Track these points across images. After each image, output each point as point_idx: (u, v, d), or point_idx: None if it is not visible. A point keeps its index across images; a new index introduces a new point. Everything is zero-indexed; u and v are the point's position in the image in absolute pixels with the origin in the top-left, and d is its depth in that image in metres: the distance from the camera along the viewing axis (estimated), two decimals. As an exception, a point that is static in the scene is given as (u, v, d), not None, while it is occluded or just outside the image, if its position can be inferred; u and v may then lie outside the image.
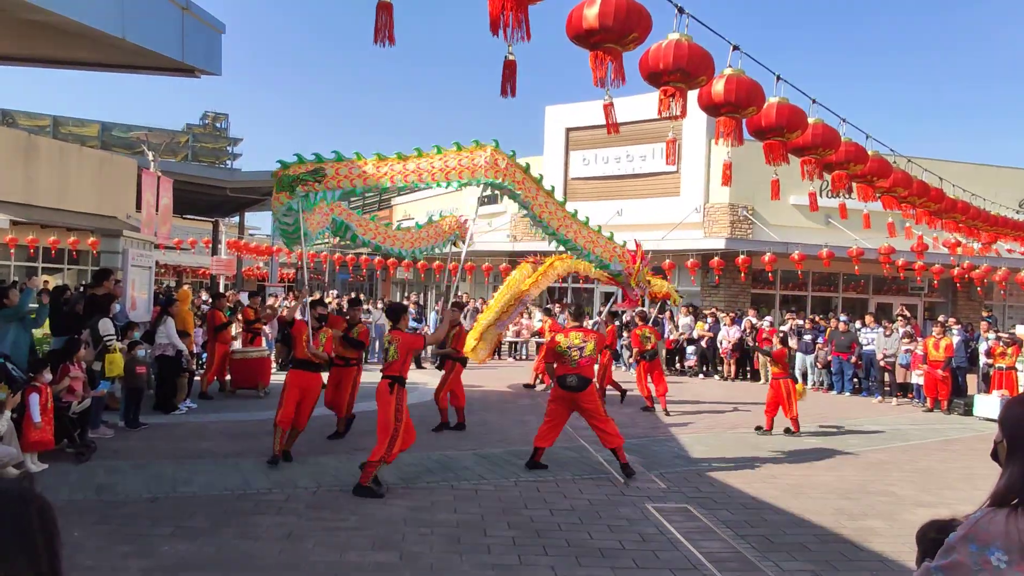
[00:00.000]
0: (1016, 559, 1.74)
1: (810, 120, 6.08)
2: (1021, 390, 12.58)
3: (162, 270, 34.09)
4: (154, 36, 7.36)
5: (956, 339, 14.27)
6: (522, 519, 6.05)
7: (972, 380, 15.18)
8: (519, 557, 5.19)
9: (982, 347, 14.83)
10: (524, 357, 19.76)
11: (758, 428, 10.54)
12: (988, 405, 12.50)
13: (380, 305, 20.13)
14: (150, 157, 15.83)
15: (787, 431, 10.32)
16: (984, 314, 19.21)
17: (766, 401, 10.53)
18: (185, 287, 18.70)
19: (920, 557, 2.05)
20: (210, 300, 13.07)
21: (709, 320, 17.94)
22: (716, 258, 18.21)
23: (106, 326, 8.90)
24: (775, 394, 10.34)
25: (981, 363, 14.81)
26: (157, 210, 13.45)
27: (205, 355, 12.52)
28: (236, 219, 36.20)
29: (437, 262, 23.73)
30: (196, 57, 8.25)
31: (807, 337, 16.35)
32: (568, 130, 23.53)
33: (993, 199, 14.04)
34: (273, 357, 14.78)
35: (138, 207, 16.00)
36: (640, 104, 18.52)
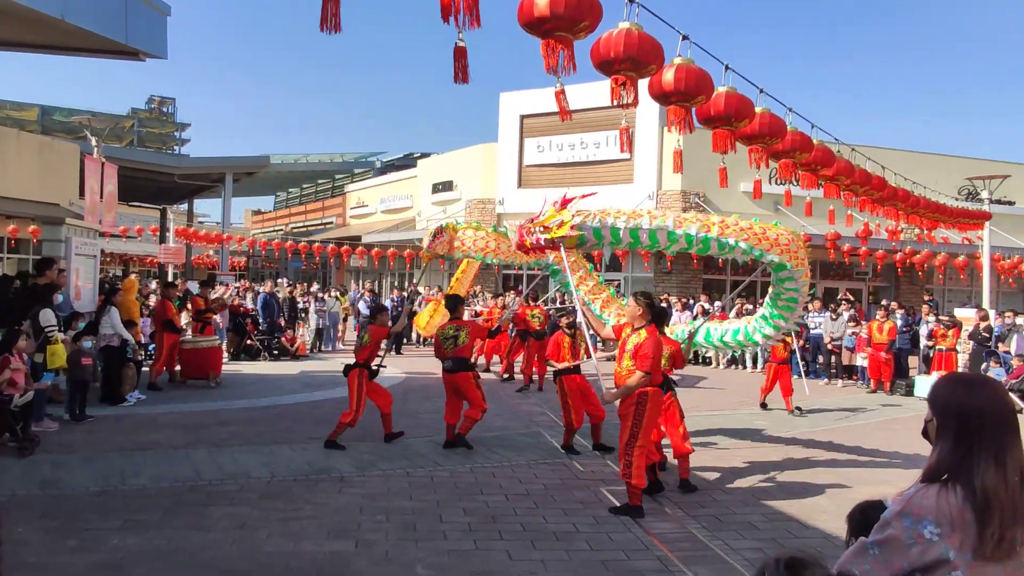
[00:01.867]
0: (947, 532, 1.82)
1: (757, 109, 6.19)
2: (959, 370, 13.05)
3: (108, 259, 33.21)
4: (95, 18, 7.16)
5: (898, 322, 14.72)
6: (477, 504, 6.09)
7: (913, 361, 15.69)
8: (475, 542, 5.23)
9: (923, 330, 15.32)
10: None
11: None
12: (928, 386, 12.91)
13: (334, 293, 19.95)
14: (93, 142, 15.39)
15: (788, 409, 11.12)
16: (925, 298, 19.80)
17: (782, 386, 11.18)
18: (132, 276, 18.25)
19: (849, 536, 2.13)
20: (159, 290, 12.77)
21: (663, 306, 18.17)
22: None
23: (47, 316, 8.66)
24: (781, 378, 11.14)
25: (922, 345, 15.31)
26: (101, 197, 13.12)
27: (153, 345, 12.27)
28: (185, 206, 35.45)
29: (391, 249, 23.59)
30: (140, 40, 8.04)
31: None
32: (523, 117, 23.53)
33: (933, 187, 14.47)
34: (224, 347, 14.55)
35: (81, 194, 15.56)
36: (593, 92, 18.54)
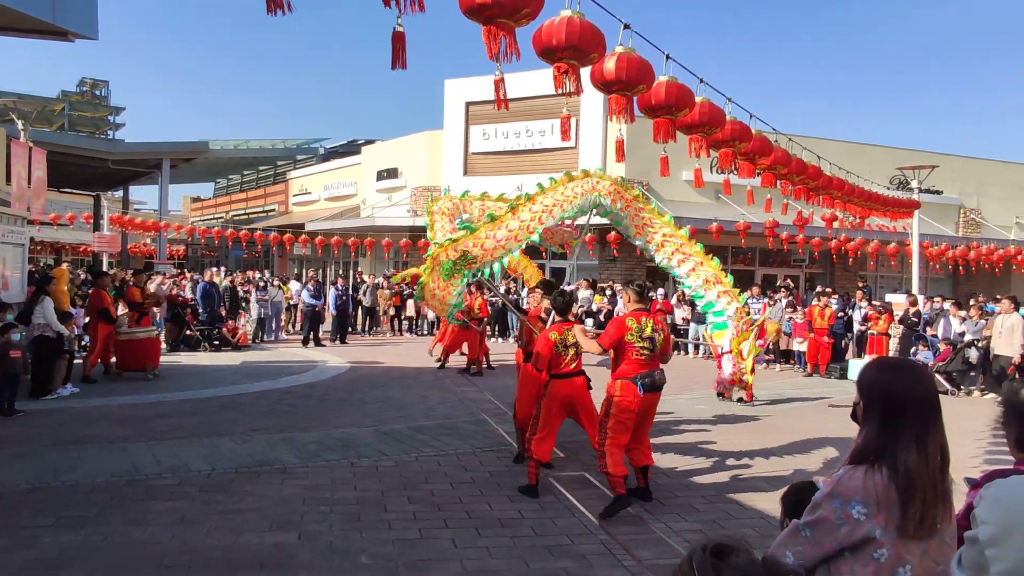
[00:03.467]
0: (873, 511, 1.90)
1: (697, 99, 6.29)
2: (890, 354, 13.53)
3: (39, 247, 32.01)
4: (20, -4, 6.86)
5: (833, 307, 15.19)
6: (423, 493, 6.09)
7: (846, 346, 16.20)
8: (419, 531, 5.24)
9: (856, 315, 15.84)
10: (424, 332, 19.60)
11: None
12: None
13: (276, 283, 19.61)
14: (20, 126, 14.76)
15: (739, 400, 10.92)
16: (859, 284, 20.46)
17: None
18: (63, 265, 17.62)
19: (783, 517, 2.21)
20: (91, 279, 12.35)
21: (608, 293, 18.40)
22: (613, 232, 18.62)
23: (-27, 308, 8.33)
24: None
25: (855, 329, 15.82)
26: (29, 183, 12.64)
27: (88, 337, 11.88)
28: (120, 193, 34.37)
29: (335, 237, 23.28)
30: (68, 19, 7.75)
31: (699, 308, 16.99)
32: (468, 104, 23.41)
33: (867, 176, 14.92)
34: (163, 337, 14.18)
35: (8, 180, 14.94)
36: (539, 79, 18.59)
